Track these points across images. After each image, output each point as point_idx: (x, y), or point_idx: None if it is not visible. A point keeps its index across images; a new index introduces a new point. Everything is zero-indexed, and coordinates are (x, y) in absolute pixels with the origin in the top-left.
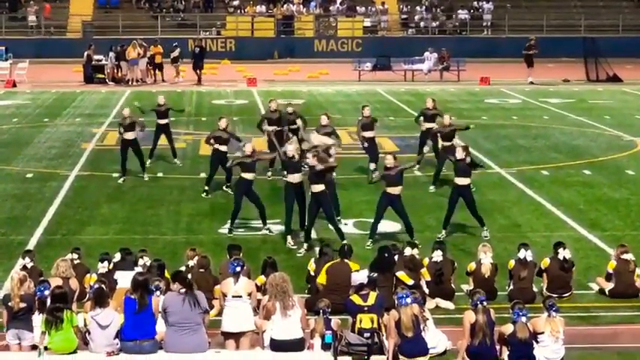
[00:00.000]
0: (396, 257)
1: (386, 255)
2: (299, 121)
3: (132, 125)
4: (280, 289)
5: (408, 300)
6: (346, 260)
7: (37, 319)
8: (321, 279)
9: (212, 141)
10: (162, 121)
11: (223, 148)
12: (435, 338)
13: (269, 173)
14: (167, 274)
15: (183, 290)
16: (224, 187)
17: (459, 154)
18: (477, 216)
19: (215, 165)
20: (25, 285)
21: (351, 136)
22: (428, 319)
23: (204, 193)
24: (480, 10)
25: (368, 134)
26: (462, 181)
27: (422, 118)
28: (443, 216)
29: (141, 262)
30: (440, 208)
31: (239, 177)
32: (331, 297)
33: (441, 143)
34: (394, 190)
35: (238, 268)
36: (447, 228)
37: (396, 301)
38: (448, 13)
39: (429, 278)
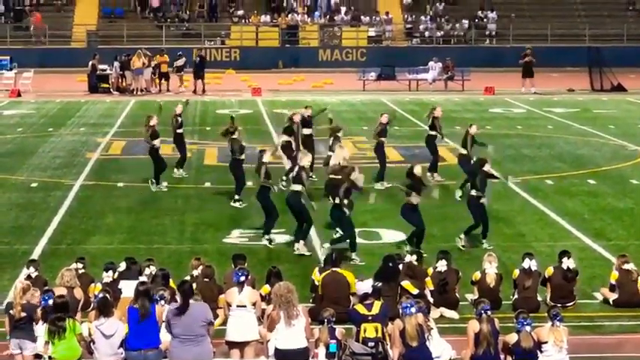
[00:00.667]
0: (400, 266)
1: (390, 264)
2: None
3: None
4: (285, 300)
5: (413, 309)
6: (338, 269)
7: (41, 328)
8: (320, 290)
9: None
10: (180, 130)
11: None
12: (440, 347)
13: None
14: (172, 284)
15: (181, 304)
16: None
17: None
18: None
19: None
20: (27, 294)
21: (355, 146)
22: (432, 328)
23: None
24: (485, 19)
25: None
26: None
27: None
28: (448, 226)
29: (147, 271)
30: (444, 219)
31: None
32: (331, 307)
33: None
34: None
35: (242, 278)
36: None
37: (401, 311)
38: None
39: (432, 287)
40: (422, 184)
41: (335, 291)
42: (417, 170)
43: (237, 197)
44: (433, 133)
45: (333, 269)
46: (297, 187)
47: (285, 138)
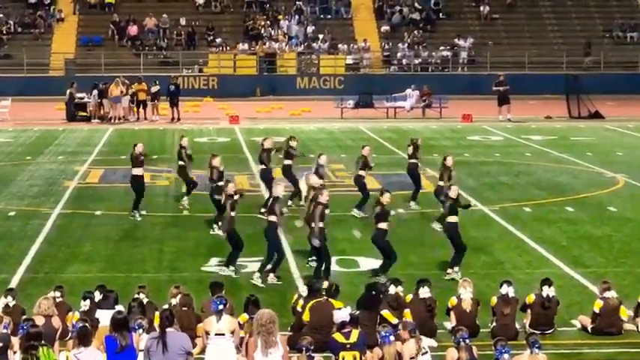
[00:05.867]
0: (381, 295)
1: (373, 292)
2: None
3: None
4: (265, 329)
5: (392, 338)
6: (330, 300)
7: (18, 358)
8: (305, 317)
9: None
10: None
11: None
12: None
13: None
14: (156, 318)
15: (160, 332)
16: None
17: (453, 193)
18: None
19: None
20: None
21: (333, 174)
22: (427, 351)
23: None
24: (461, 47)
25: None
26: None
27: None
28: (426, 253)
29: (142, 296)
30: (422, 245)
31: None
32: (314, 336)
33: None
34: None
35: (221, 306)
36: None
37: (380, 340)
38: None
39: (410, 319)
40: (387, 211)
41: (322, 319)
42: (385, 198)
43: (216, 225)
44: (414, 160)
45: (327, 299)
46: (272, 218)
47: (263, 167)
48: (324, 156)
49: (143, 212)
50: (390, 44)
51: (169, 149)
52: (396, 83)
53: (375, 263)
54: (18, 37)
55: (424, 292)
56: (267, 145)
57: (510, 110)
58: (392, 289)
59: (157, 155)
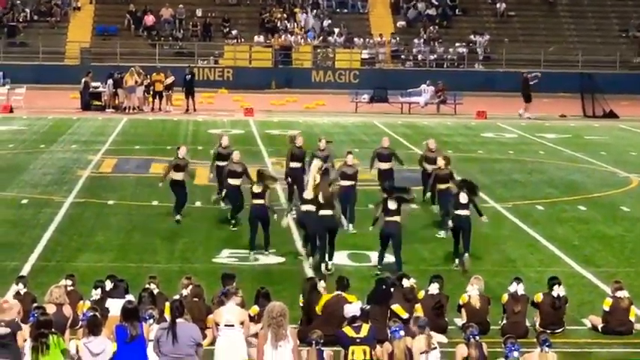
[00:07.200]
0: (392, 289)
1: (384, 287)
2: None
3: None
4: (276, 322)
5: (402, 333)
6: (343, 293)
7: (28, 345)
8: (318, 310)
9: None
10: (223, 163)
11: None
12: None
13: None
14: (167, 310)
15: (168, 323)
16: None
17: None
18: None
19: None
20: (9, 312)
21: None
22: (435, 347)
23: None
24: (477, 43)
25: (384, 166)
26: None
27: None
28: (437, 249)
29: (152, 286)
30: (434, 240)
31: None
32: (325, 329)
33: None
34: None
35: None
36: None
37: (390, 334)
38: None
39: (421, 314)
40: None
41: (335, 313)
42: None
43: (233, 221)
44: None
45: (340, 293)
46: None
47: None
48: (350, 155)
49: (155, 203)
50: (398, 39)
51: (182, 140)
52: (411, 79)
53: (387, 258)
54: (34, 25)
55: (433, 289)
56: (298, 143)
57: (529, 108)
58: (406, 283)
59: (171, 146)
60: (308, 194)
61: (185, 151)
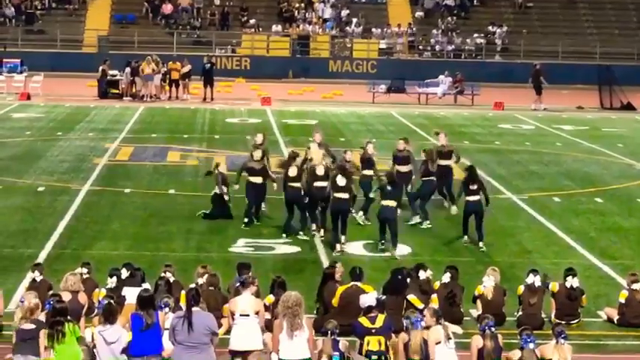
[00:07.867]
0: (407, 280)
1: (399, 277)
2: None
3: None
4: (291, 312)
5: (423, 323)
6: (359, 284)
7: (43, 333)
8: (335, 302)
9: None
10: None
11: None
12: None
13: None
14: (182, 297)
15: (184, 312)
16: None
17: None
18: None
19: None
20: (35, 313)
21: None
22: (451, 337)
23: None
24: (495, 34)
25: (403, 169)
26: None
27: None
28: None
29: (168, 275)
30: (451, 231)
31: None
32: (341, 319)
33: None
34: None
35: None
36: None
37: (409, 324)
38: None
39: (437, 305)
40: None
41: (351, 304)
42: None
43: (246, 219)
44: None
45: (356, 283)
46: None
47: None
48: (370, 144)
49: (172, 191)
50: (415, 29)
51: (199, 129)
52: (428, 69)
53: (405, 249)
54: (52, 12)
55: (445, 278)
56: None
57: (543, 100)
58: (422, 275)
59: (188, 135)
60: (320, 170)
61: (262, 138)
